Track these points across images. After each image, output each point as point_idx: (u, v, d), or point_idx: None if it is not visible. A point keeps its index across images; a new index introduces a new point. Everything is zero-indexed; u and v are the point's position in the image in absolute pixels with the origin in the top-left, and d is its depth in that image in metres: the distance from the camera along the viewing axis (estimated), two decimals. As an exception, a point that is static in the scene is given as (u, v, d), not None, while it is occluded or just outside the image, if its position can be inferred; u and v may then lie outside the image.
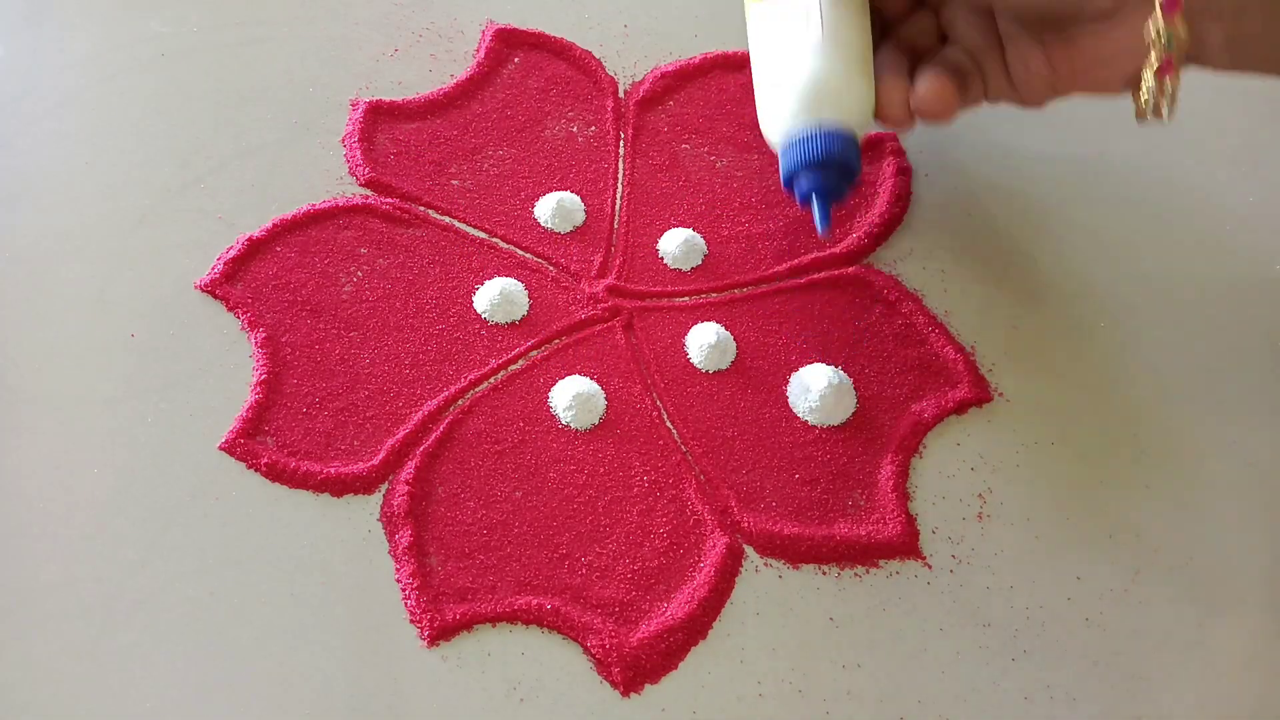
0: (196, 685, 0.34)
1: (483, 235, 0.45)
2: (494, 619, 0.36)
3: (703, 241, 0.45)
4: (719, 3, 0.54)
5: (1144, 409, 0.42)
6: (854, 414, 0.41)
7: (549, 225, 0.45)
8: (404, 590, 0.36)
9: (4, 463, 0.38)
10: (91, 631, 0.35)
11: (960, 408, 0.41)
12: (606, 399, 0.41)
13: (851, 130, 0.39)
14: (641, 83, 0.51)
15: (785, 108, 0.39)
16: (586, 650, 0.35)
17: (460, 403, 0.40)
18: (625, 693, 0.34)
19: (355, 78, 0.50)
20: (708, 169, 0.48)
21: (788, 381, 0.42)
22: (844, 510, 0.39)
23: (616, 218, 0.46)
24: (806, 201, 0.39)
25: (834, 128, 0.38)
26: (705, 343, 0.42)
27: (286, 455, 0.38)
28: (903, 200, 0.47)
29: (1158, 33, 0.36)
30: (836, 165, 0.38)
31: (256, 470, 0.38)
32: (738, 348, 0.42)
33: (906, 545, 0.38)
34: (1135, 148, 0.50)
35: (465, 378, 0.41)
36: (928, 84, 0.39)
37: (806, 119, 0.38)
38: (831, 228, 0.40)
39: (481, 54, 0.51)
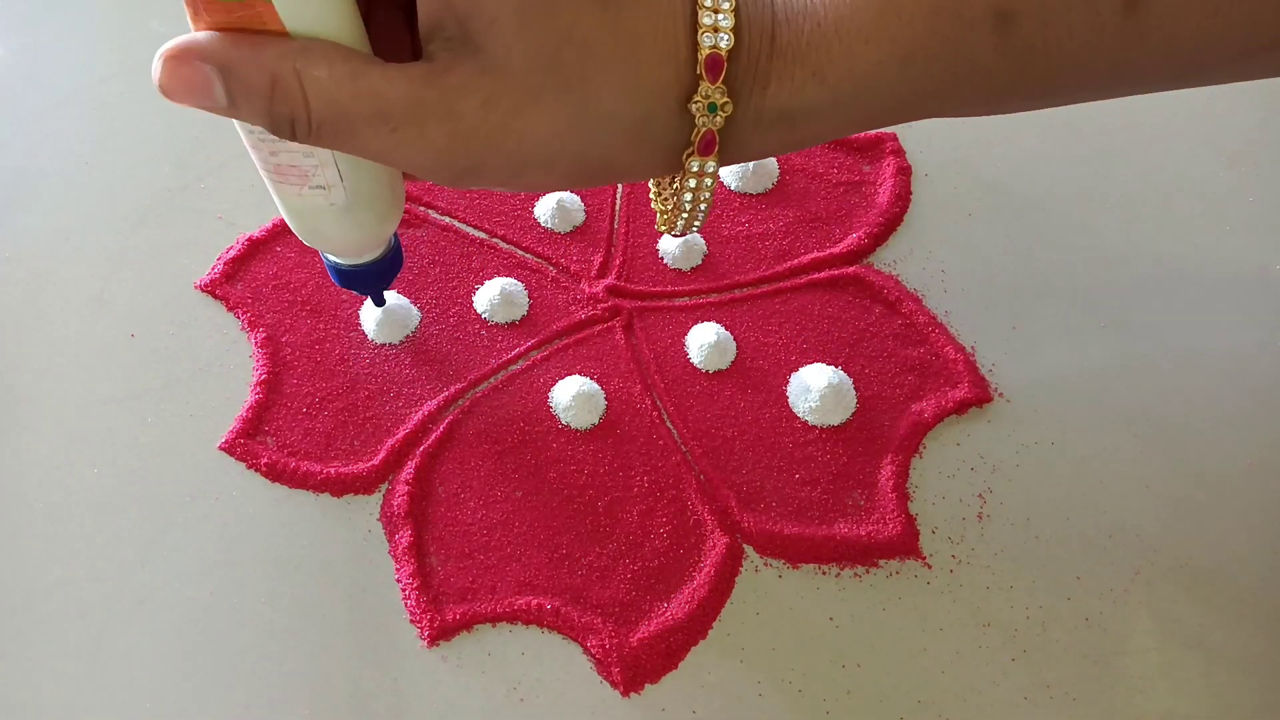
0: (196, 685, 0.34)
1: (483, 235, 0.45)
2: (494, 619, 0.36)
3: (703, 241, 0.45)
4: (719, 3, 0.54)
5: (1144, 409, 0.42)
6: (854, 414, 0.41)
7: (549, 225, 0.45)
8: (404, 590, 0.36)
9: (4, 463, 0.38)
10: (91, 631, 0.35)
11: (960, 408, 0.41)
12: (606, 399, 0.41)
13: (385, 251, 0.35)
14: (641, 83, 0.50)
15: (315, 246, 0.34)
16: (586, 650, 0.35)
17: (460, 403, 0.40)
18: (625, 693, 0.34)
19: (355, 78, 0.50)
20: (708, 169, 0.48)
21: (788, 381, 0.42)
22: (844, 510, 0.39)
23: (616, 218, 0.46)
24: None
25: (369, 260, 0.35)
26: (705, 343, 0.42)
27: (286, 455, 0.38)
28: (903, 200, 0.47)
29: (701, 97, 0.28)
30: (379, 285, 0.36)
31: (256, 470, 0.38)
32: (738, 348, 0.42)
33: (906, 545, 0.38)
34: (1135, 148, 0.50)
35: (465, 378, 0.41)
36: None
37: (339, 259, 0.35)
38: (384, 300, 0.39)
39: (481, 54, 0.51)
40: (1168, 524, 0.39)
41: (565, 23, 0.27)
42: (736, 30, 0.28)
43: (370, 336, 0.42)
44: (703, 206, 0.31)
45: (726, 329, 0.43)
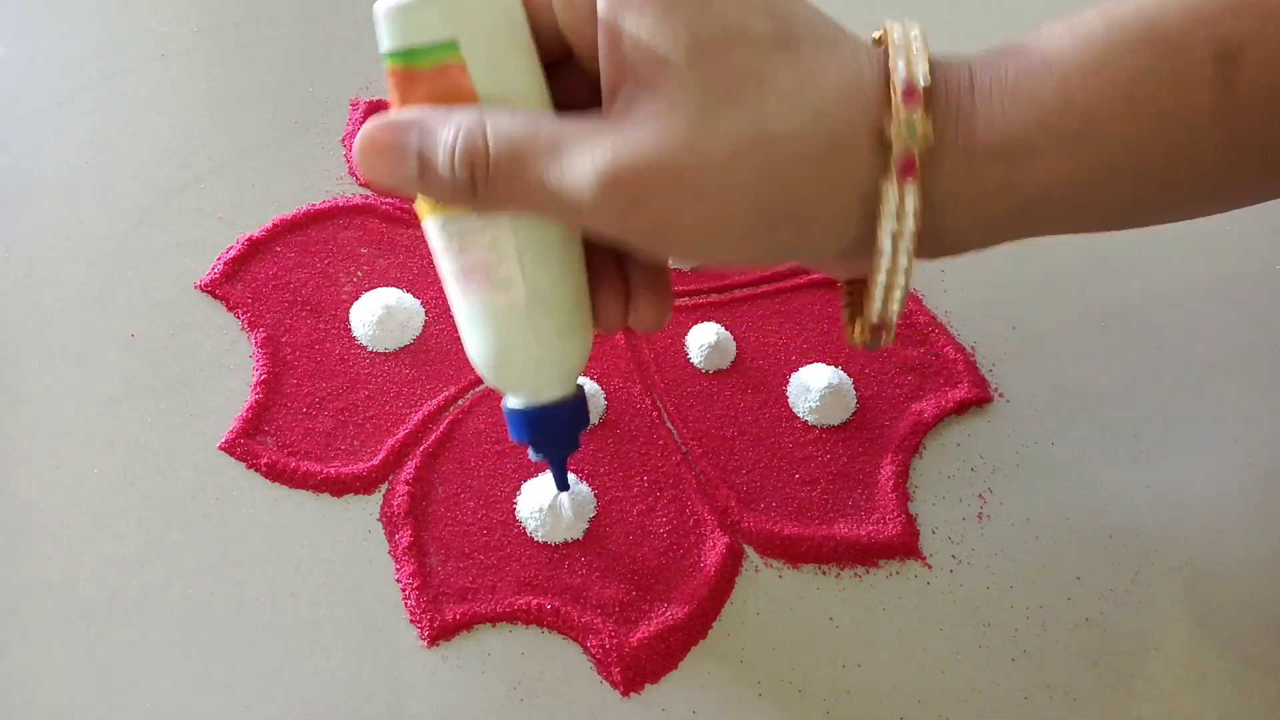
0: (196, 685, 0.34)
1: (483, 235, 0.45)
2: (494, 619, 0.36)
3: (703, 241, 0.45)
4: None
5: (1144, 409, 0.42)
6: (854, 414, 0.41)
7: (549, 225, 0.45)
8: (404, 590, 0.36)
9: (4, 463, 0.38)
10: (91, 631, 0.35)
11: (960, 408, 0.41)
12: (606, 399, 0.41)
13: (571, 393, 0.32)
14: (641, 83, 0.50)
15: (494, 376, 0.32)
16: (586, 650, 0.35)
17: (460, 403, 0.40)
18: (625, 693, 0.34)
19: (355, 78, 0.50)
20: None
21: (788, 381, 0.42)
22: (844, 510, 0.39)
23: (616, 218, 0.46)
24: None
25: (553, 400, 0.32)
26: (705, 343, 0.42)
27: (286, 455, 0.38)
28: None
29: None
30: (562, 439, 0.33)
31: (256, 470, 0.38)
32: (738, 348, 0.42)
33: (906, 545, 0.38)
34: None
35: (465, 378, 0.41)
36: (648, 310, 0.32)
37: (520, 397, 0.32)
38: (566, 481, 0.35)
39: (481, 54, 0.51)
40: (1168, 524, 0.39)
41: (740, 60, 0.26)
42: (931, 70, 0.26)
43: (368, 344, 0.41)
44: (903, 266, 0.27)
45: (726, 329, 0.43)
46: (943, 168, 0.26)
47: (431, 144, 0.27)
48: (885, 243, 0.27)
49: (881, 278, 0.27)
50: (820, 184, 0.26)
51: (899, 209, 0.26)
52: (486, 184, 0.27)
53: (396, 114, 0.28)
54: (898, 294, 0.28)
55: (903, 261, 0.27)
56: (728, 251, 0.28)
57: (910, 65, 0.26)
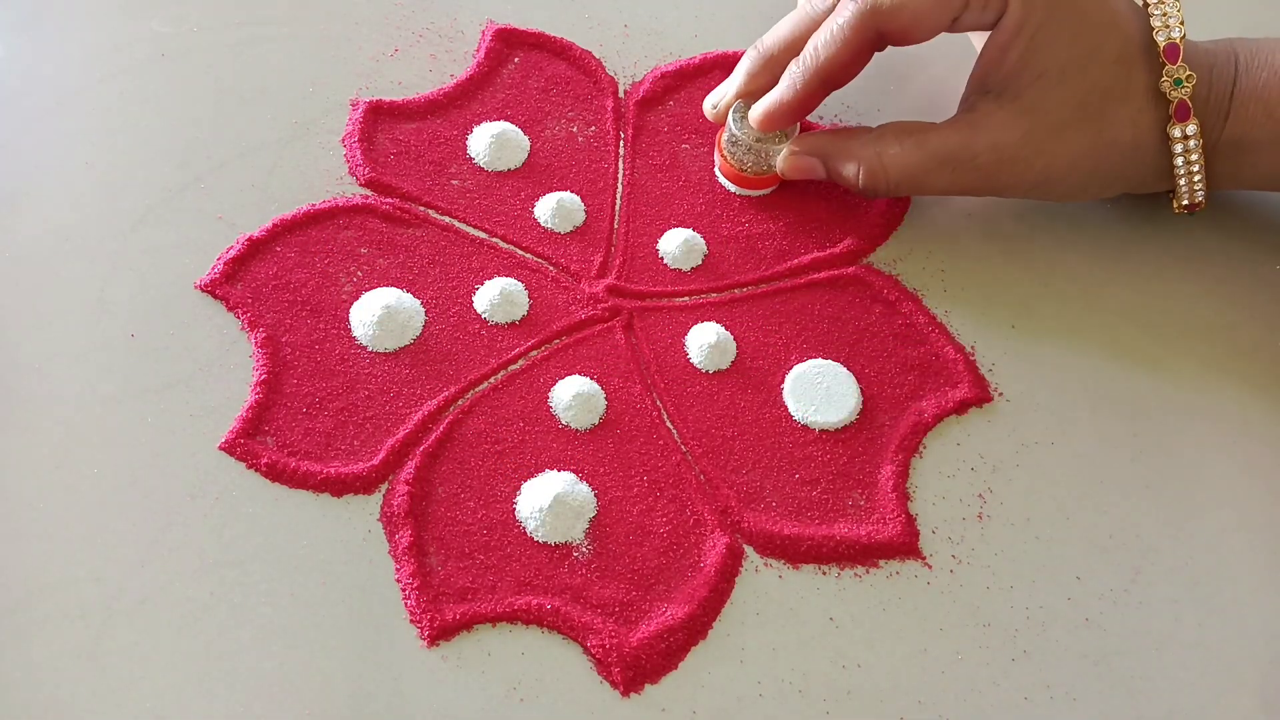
0: (196, 685, 0.34)
1: (483, 235, 0.45)
2: (494, 619, 0.36)
3: (703, 241, 0.45)
4: (719, 3, 0.54)
5: (1144, 409, 0.42)
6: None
7: (549, 225, 0.45)
8: (404, 590, 0.36)
9: (4, 463, 0.38)
10: (91, 631, 0.35)
11: (960, 408, 0.41)
12: (606, 399, 0.41)
13: None
14: (641, 83, 0.51)
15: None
16: (586, 650, 0.35)
17: (460, 403, 0.40)
18: (625, 693, 0.34)
19: (355, 78, 0.50)
20: (708, 169, 0.48)
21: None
22: (844, 510, 0.39)
23: (616, 218, 0.46)
24: None
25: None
26: (705, 343, 0.42)
27: (286, 455, 0.38)
28: (903, 200, 0.47)
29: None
30: None
31: (256, 470, 0.38)
32: (738, 348, 0.42)
33: (906, 545, 0.38)
34: (1135, 148, 0.50)
35: (465, 378, 0.41)
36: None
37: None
38: None
39: (481, 54, 0.51)
40: (1168, 524, 0.39)
41: (1094, 76, 0.38)
42: (1199, 81, 0.39)
43: (368, 344, 0.41)
44: (1196, 168, 0.40)
45: (726, 329, 0.43)
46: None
47: (838, 171, 0.43)
48: (1179, 164, 0.41)
49: (1182, 181, 0.42)
50: (1129, 169, 0.41)
51: (1183, 141, 0.40)
52: (887, 193, 0.43)
53: (805, 141, 0.43)
54: (1199, 188, 0.42)
55: (1196, 170, 0.41)
56: (1054, 198, 0.44)
57: (1175, 83, 0.39)
